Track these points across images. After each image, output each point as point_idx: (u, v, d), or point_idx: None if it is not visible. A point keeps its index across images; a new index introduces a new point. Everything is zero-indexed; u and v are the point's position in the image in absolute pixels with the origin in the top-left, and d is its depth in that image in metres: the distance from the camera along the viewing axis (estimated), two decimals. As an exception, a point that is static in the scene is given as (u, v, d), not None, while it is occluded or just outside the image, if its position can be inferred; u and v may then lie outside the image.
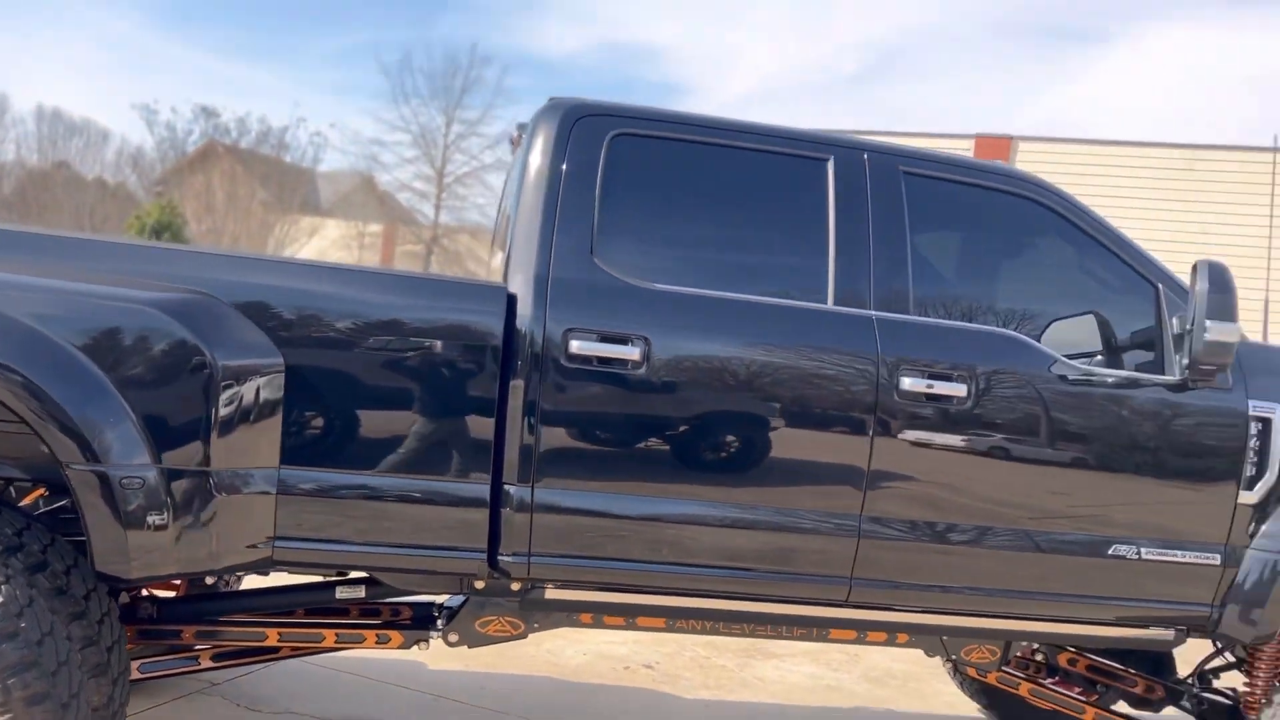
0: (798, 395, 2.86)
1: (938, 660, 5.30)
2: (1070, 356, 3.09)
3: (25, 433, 2.73)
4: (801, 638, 3.22)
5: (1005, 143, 18.08)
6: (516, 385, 2.74)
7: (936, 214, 3.22)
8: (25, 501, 3.14)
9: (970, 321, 3.15)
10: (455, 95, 30.85)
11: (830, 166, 3.06)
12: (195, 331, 2.47)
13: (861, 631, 3.20)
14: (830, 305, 2.95)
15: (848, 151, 3.10)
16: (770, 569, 2.89)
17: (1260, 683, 3.40)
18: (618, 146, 2.95)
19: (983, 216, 3.29)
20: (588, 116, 2.96)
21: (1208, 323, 2.84)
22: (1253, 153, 17.09)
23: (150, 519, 2.41)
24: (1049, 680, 3.94)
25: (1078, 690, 3.89)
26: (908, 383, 2.89)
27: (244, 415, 2.53)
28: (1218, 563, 3.08)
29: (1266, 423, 3.09)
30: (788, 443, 2.89)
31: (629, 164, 2.96)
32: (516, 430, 2.74)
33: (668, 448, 2.84)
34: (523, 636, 3.09)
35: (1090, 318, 3.21)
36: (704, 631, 3.15)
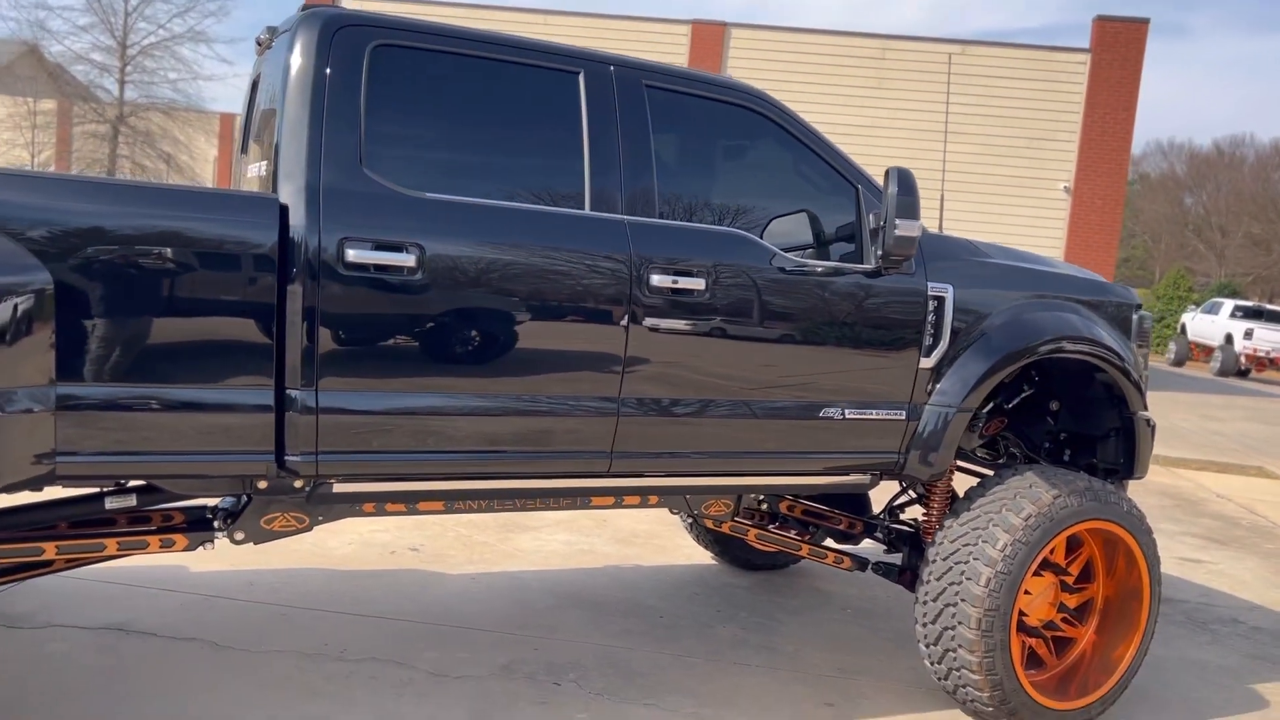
0: (561, 294, 3.16)
1: (675, 520, 5.95)
2: (787, 249, 3.58)
3: None
4: (567, 507, 3.59)
5: (720, 29, 18.80)
6: (294, 293, 2.84)
7: (675, 124, 3.56)
8: None
9: (705, 221, 3.55)
10: (135, -46, 27.64)
11: (581, 80, 3.30)
12: (-48, 252, 2.39)
13: (619, 497, 3.62)
14: (588, 210, 3.24)
15: (597, 65, 3.35)
16: (543, 449, 3.22)
17: (935, 512, 4.17)
18: (379, 57, 3.04)
19: (713, 126, 3.66)
20: (347, 27, 3.02)
21: (896, 221, 3.38)
22: (934, 44, 18.83)
23: (-79, 445, 2.37)
24: (772, 526, 4.59)
25: (794, 532, 4.58)
26: (656, 279, 3.26)
27: (17, 333, 2.50)
28: (903, 418, 3.74)
29: (941, 300, 3.73)
30: (555, 336, 3.19)
31: (392, 75, 3.06)
32: (297, 337, 2.86)
33: (445, 347, 3.06)
34: (308, 529, 3.26)
35: (804, 215, 3.70)
36: (480, 510, 3.45)
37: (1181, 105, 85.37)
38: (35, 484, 2.71)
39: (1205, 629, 5.30)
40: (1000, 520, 3.69)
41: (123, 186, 2.83)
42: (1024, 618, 3.83)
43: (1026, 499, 3.71)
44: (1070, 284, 4.18)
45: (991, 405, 4.25)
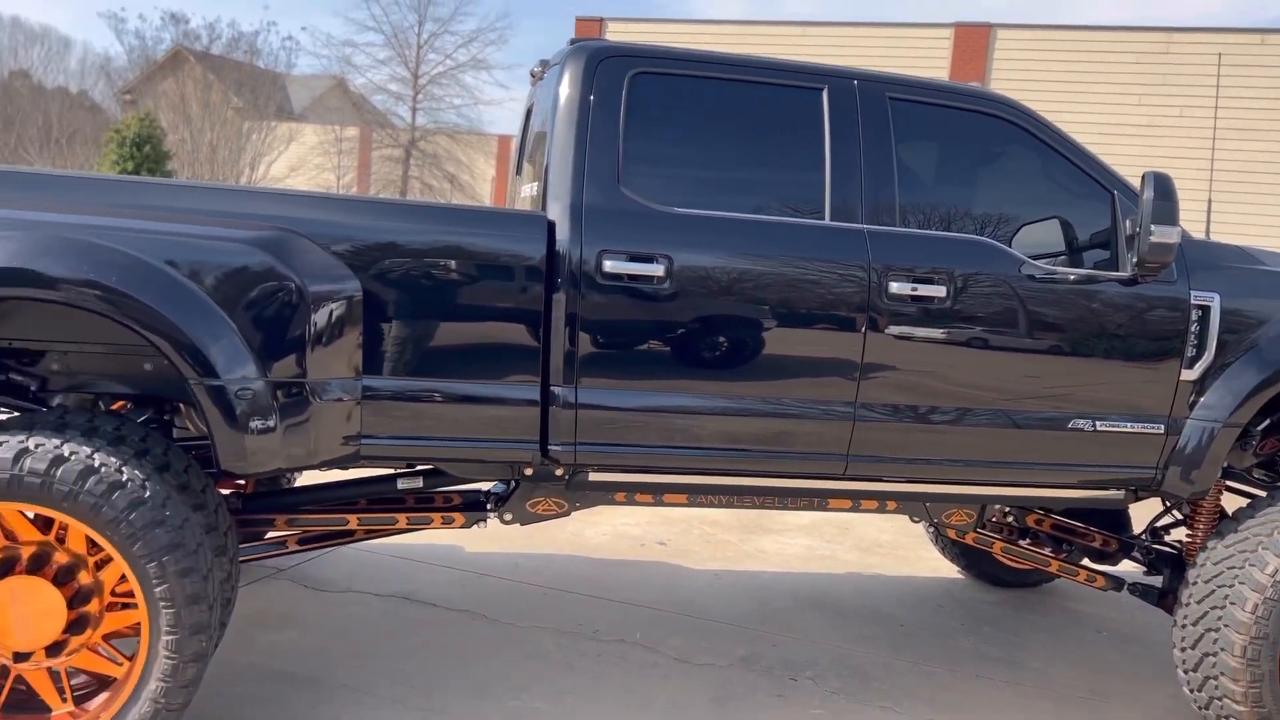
0: (799, 301, 3.30)
1: (920, 531, 5.92)
2: (1038, 256, 3.54)
3: (127, 355, 3.18)
4: (805, 507, 3.73)
5: (984, 31, 18.18)
6: (559, 300, 3.16)
7: (919, 134, 3.61)
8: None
9: (951, 229, 3.58)
10: (426, -8, 30.27)
11: (825, 95, 3.43)
12: (287, 264, 2.88)
13: (856, 500, 3.71)
14: (827, 220, 3.37)
15: (840, 80, 3.47)
16: (781, 449, 3.38)
17: (1199, 533, 3.96)
18: (637, 84, 3.32)
19: (960, 135, 3.68)
20: (610, 58, 3.32)
21: (1153, 227, 3.27)
22: (1225, 34, 17.29)
23: (260, 422, 2.86)
24: (1022, 541, 4.50)
25: (1045, 548, 4.46)
26: (895, 286, 3.33)
27: (332, 333, 2.96)
28: (1162, 431, 3.59)
29: (1206, 310, 3.55)
30: (792, 342, 3.34)
31: (648, 100, 3.33)
32: (560, 339, 3.18)
33: (690, 350, 3.29)
34: (566, 514, 3.59)
35: (1055, 222, 3.64)
36: (721, 505, 3.65)
37: None
38: (344, 462, 3.18)
39: None
40: (1271, 544, 3.46)
41: (417, 206, 3.26)
42: (1297, 650, 3.56)
43: (1302, 523, 3.46)
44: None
45: (1268, 422, 3.97)
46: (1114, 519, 4.58)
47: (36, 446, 2.66)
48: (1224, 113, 16.80)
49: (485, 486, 3.81)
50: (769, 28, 19.95)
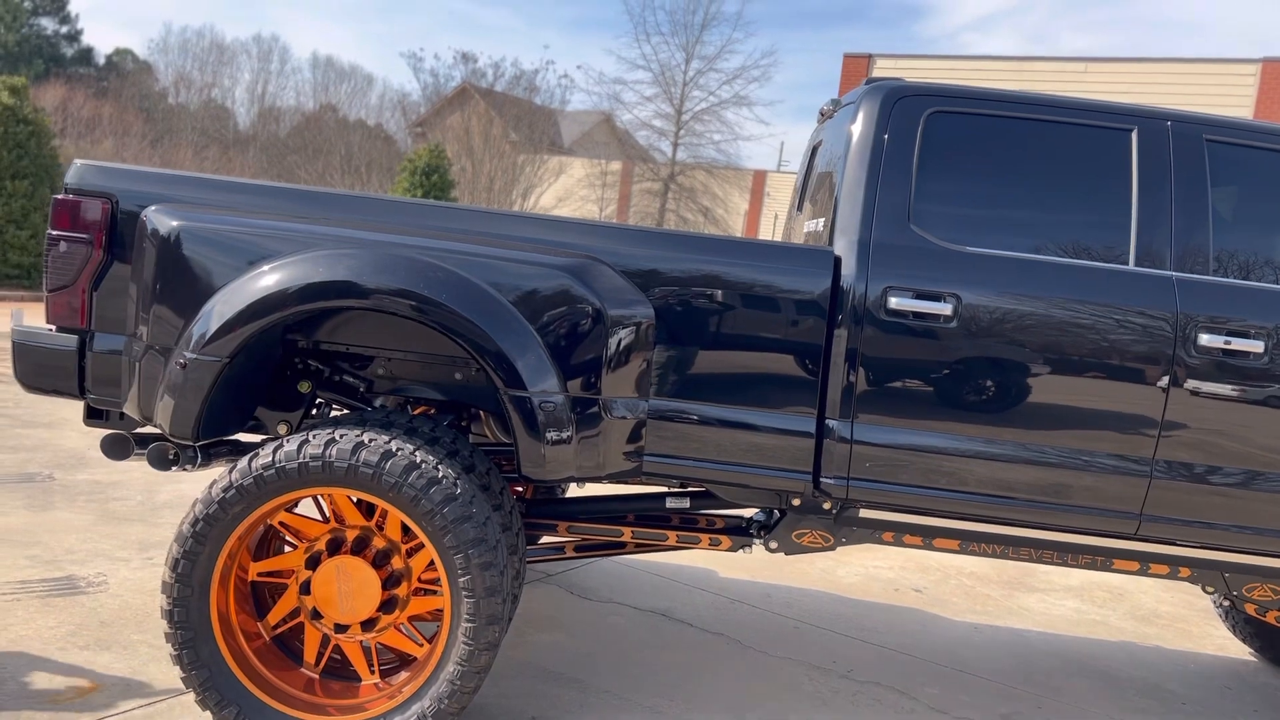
0: (1096, 348, 3.18)
1: (1207, 605, 5.46)
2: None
3: (442, 365, 3.50)
4: (1086, 565, 3.54)
5: (1297, 66, 16.59)
6: (840, 335, 3.21)
7: (1240, 179, 3.39)
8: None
9: (1273, 282, 3.33)
10: (696, 30, 31.23)
11: (1134, 136, 3.30)
12: (591, 290, 3.09)
13: (1145, 563, 3.49)
14: (1131, 266, 3.23)
15: (1151, 122, 3.32)
16: (1064, 503, 3.25)
17: None
18: (933, 123, 3.32)
19: (1287, 180, 3.42)
20: (907, 97, 3.34)
21: None
22: None
23: (558, 433, 3.08)
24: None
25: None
26: (1205, 339, 3.14)
27: (625, 355, 3.15)
28: None
29: None
30: (1085, 391, 3.21)
31: (943, 139, 3.32)
32: (840, 373, 3.22)
33: (974, 392, 3.23)
34: (831, 548, 3.60)
35: (1398, 276, 3.31)
36: (994, 555, 3.54)
37: None
38: (627, 477, 3.35)
39: None
40: None
41: (710, 239, 3.40)
42: None
43: None
44: None
45: None
46: None
47: (370, 441, 2.99)
48: None
49: (748, 514, 3.89)
50: (1047, 64, 19.08)
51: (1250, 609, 3.72)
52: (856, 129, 3.39)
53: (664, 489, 3.88)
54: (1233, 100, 16.88)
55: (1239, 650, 5.12)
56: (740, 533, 3.78)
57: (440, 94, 35.60)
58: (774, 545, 3.64)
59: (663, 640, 4.37)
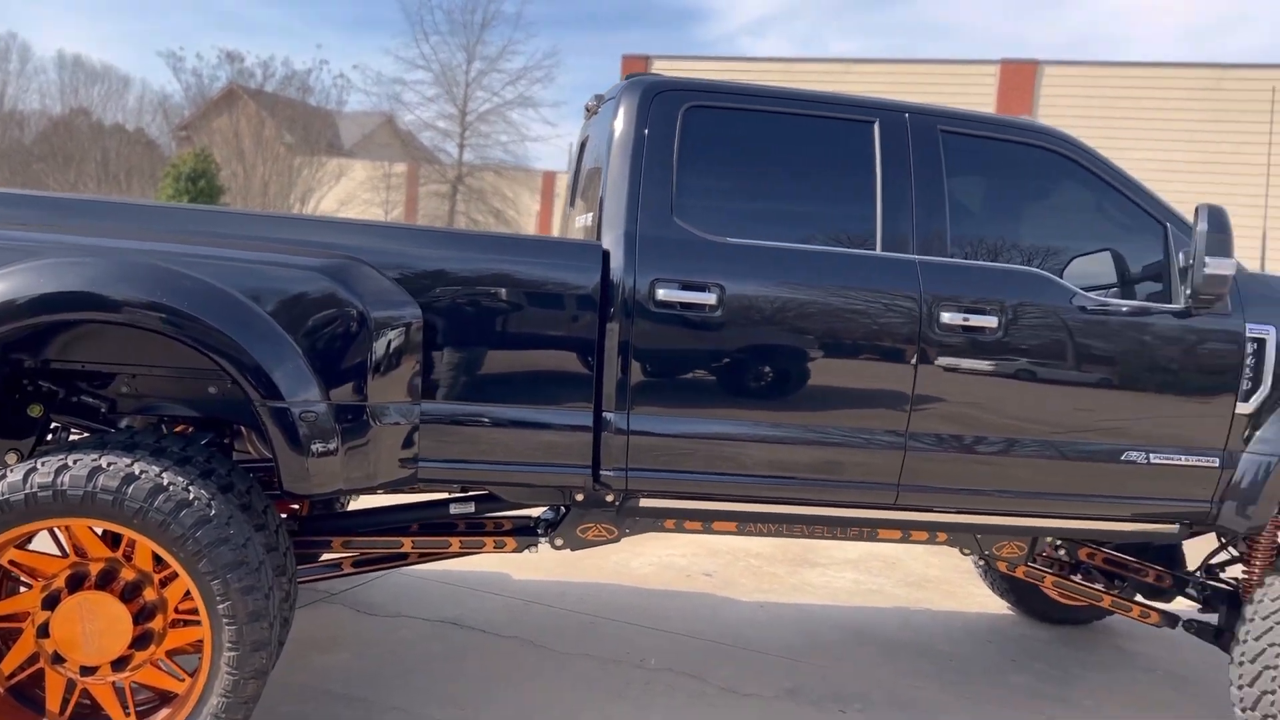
0: (850, 330, 3.33)
1: (969, 567, 5.87)
2: (1090, 288, 3.54)
3: (192, 379, 3.28)
4: (855, 537, 3.72)
5: (1031, 68, 18.17)
6: (612, 328, 3.22)
7: (971, 167, 3.64)
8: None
9: (1002, 261, 3.59)
10: (475, 30, 30.87)
11: (876, 128, 3.48)
12: (352, 291, 2.96)
13: (906, 531, 3.70)
14: (879, 251, 3.40)
15: (891, 114, 3.52)
16: (830, 478, 3.39)
17: (1257, 569, 3.89)
18: (690, 117, 3.39)
19: (1011, 167, 3.71)
20: (664, 92, 3.39)
21: (1206, 259, 3.27)
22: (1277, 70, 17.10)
23: (322, 445, 2.93)
24: (1075, 577, 4.45)
25: (1099, 583, 4.41)
26: (946, 317, 3.35)
27: (393, 358, 3.04)
28: (1217, 465, 3.55)
29: (1261, 342, 3.53)
30: (842, 372, 3.36)
31: (701, 132, 3.39)
32: (613, 366, 3.23)
33: (742, 378, 3.32)
34: (616, 540, 3.62)
35: (1107, 254, 3.64)
36: (770, 534, 3.66)
37: None
38: (401, 485, 3.24)
39: None
40: (1332, 581, 3.40)
41: (477, 236, 3.34)
42: (1364, 691, 3.49)
43: (1365, 560, 3.40)
44: None
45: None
46: (1167, 555, 4.52)
47: (109, 465, 2.75)
48: (1274, 149, 16.57)
49: (535, 513, 3.86)
50: (814, 65, 20.07)
51: (1002, 566, 4.02)
52: (618, 124, 3.41)
53: (448, 495, 3.79)
54: (976, 98, 18.28)
55: (998, 606, 5.53)
56: (527, 533, 3.74)
57: (205, 96, 33.64)
58: (559, 542, 3.62)
59: (454, 650, 4.27)
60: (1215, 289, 3.29)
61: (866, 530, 3.70)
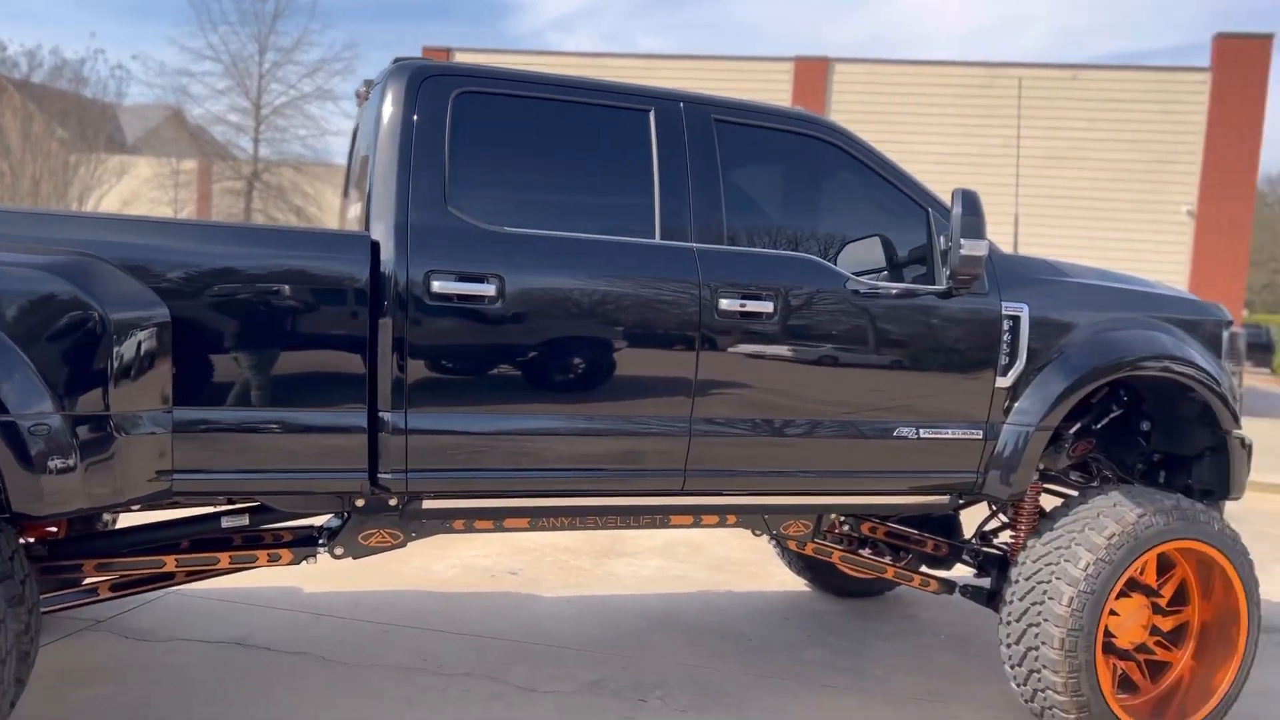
0: (632, 319, 3.31)
1: (769, 549, 6.01)
2: (863, 273, 3.66)
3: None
4: (647, 525, 3.72)
5: (823, 65, 18.90)
6: (385, 323, 3.08)
7: (745, 155, 3.69)
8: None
9: (777, 248, 3.67)
10: (268, 21, 29.42)
11: (652, 117, 3.48)
12: (85, 290, 2.70)
13: (697, 516, 3.73)
14: (657, 239, 3.40)
15: (666, 103, 3.52)
16: (617, 468, 3.37)
17: (1022, 533, 4.14)
18: (462, 103, 3.28)
19: (785, 156, 3.79)
20: (433, 76, 3.27)
21: (962, 241, 3.43)
22: (1044, 69, 18.48)
23: (58, 461, 2.66)
24: (864, 551, 4.62)
25: (885, 557, 4.60)
26: (725, 303, 3.38)
27: (136, 363, 2.79)
28: (980, 437, 3.75)
29: (1016, 320, 3.75)
30: (626, 360, 3.34)
31: (475, 119, 3.29)
32: (388, 363, 3.09)
33: (524, 370, 3.24)
34: (402, 545, 3.48)
35: (876, 240, 3.77)
36: (563, 528, 3.61)
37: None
38: (155, 500, 2.99)
39: (1326, 661, 5.05)
40: (1083, 539, 3.65)
41: (230, 228, 3.12)
42: (1113, 639, 3.77)
43: (1110, 517, 3.67)
44: (1156, 302, 4.12)
45: (1079, 426, 4.22)
46: (946, 525, 4.76)
47: None
48: (1041, 142, 17.96)
49: (319, 522, 3.67)
50: (618, 60, 20.21)
51: (792, 545, 4.12)
52: (385, 111, 3.26)
53: (220, 508, 3.55)
54: (773, 94, 18.88)
55: (796, 583, 5.70)
56: (307, 543, 3.54)
57: (-39, 87, 30.64)
58: (339, 551, 3.44)
59: (235, 672, 4.01)
60: (971, 269, 3.46)
61: (659, 517, 3.70)
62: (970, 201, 3.44)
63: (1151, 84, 17.87)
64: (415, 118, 3.22)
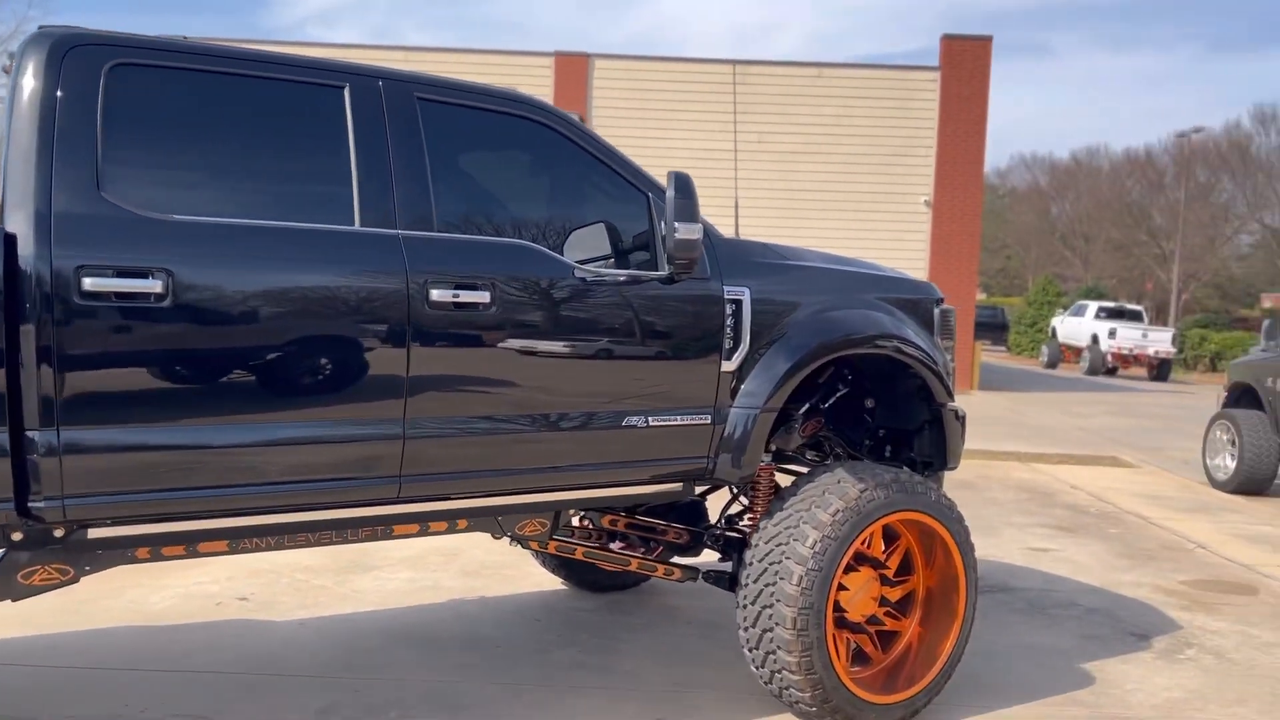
0: (329, 314, 3.03)
1: (527, 551, 5.82)
2: (590, 260, 3.53)
3: None
4: (368, 538, 3.45)
5: (583, 60, 18.94)
6: (28, 330, 2.66)
7: (456, 137, 3.48)
8: None
9: (497, 235, 3.48)
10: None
11: (347, 94, 3.20)
12: None
13: (424, 523, 3.48)
14: (357, 227, 3.14)
15: (362, 79, 3.26)
16: (320, 479, 3.08)
17: (758, 514, 4.15)
18: (119, 77, 2.89)
19: (501, 138, 3.61)
20: (81, 46, 2.86)
21: (676, 224, 3.36)
22: (788, 67, 19.30)
23: None
24: (615, 545, 4.51)
25: (639, 550, 4.51)
26: (435, 294, 3.16)
27: None
28: (709, 421, 3.72)
29: (739, 303, 3.73)
30: (323, 359, 3.05)
31: (133, 94, 2.91)
32: (33, 375, 2.67)
33: (202, 377, 2.90)
34: (74, 581, 3.04)
35: (601, 226, 3.64)
36: (269, 548, 3.28)
37: (1046, 120, 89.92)
38: None
39: (1044, 614, 5.42)
40: (809, 517, 3.68)
41: None
42: (844, 614, 3.83)
43: (834, 494, 3.72)
44: (874, 283, 4.24)
45: (808, 406, 4.28)
46: (693, 511, 4.74)
47: None
48: (790, 137, 18.76)
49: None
50: (375, 52, 19.48)
51: (534, 545, 3.96)
52: (25, 85, 2.83)
53: None
54: (535, 89, 18.71)
55: (553, 583, 5.56)
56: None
57: None
58: (-6, 594, 2.98)
59: (-115, 743, 3.43)
60: (687, 253, 3.40)
61: (381, 529, 3.44)
62: (683, 184, 3.38)
63: (888, 82, 19.03)
64: (59, 93, 2.80)
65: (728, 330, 3.71)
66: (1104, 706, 4.17)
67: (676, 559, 4.49)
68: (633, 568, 4.27)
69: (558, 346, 3.41)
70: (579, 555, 4.17)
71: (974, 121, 18.75)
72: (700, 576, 4.29)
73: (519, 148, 3.66)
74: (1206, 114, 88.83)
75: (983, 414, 15.44)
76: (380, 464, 3.16)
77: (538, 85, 18.77)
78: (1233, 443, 9.74)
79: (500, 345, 3.31)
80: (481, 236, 3.39)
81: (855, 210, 18.62)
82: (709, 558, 4.57)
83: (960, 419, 4.30)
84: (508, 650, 4.53)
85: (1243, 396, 10.24)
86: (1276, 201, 43.88)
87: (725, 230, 3.98)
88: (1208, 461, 10.16)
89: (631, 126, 15.81)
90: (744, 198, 18.77)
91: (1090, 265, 51.49)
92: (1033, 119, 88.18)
